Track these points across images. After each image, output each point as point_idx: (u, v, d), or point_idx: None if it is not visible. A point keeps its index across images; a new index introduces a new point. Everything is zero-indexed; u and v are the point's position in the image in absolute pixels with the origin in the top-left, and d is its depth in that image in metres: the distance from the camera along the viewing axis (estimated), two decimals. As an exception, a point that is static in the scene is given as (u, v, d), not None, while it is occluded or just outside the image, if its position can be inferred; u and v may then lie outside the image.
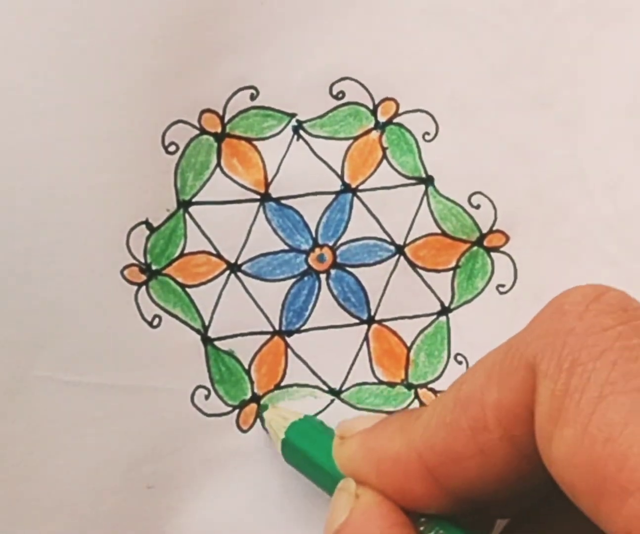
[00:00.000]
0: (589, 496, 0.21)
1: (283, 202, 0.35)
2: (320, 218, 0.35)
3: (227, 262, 0.35)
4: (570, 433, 0.21)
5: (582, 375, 0.22)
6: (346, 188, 0.35)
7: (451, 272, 0.36)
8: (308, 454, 0.31)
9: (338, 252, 0.35)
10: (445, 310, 0.35)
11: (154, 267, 0.34)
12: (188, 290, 0.34)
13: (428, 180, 0.35)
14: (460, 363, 0.35)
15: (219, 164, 0.34)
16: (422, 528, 0.26)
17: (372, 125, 0.35)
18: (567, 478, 0.22)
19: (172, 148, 0.34)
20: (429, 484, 0.26)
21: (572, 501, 0.22)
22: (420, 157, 0.35)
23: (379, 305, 0.35)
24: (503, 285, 0.36)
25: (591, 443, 0.21)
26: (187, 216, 0.34)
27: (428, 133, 0.35)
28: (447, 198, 0.35)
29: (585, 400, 0.21)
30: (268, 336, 0.35)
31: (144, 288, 0.34)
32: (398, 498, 0.26)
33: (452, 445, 0.25)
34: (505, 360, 0.24)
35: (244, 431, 0.35)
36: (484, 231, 0.36)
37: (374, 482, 0.27)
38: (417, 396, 0.35)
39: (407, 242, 0.35)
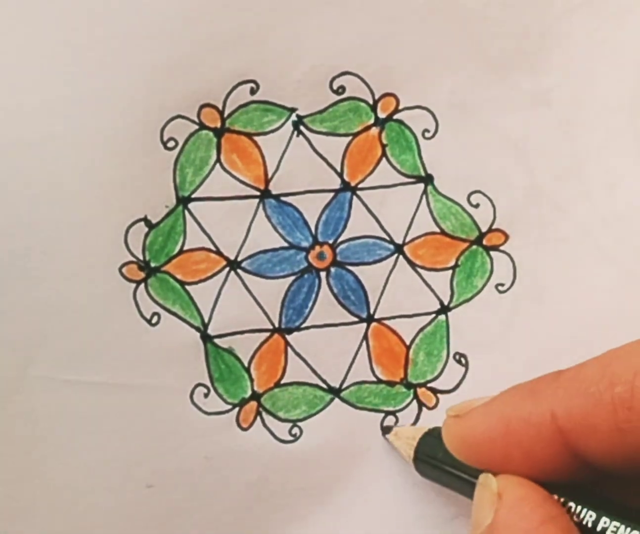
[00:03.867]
0: None
1: (283, 198, 0.34)
2: (320, 215, 0.35)
3: (226, 258, 0.34)
4: None
5: None
6: (345, 186, 0.35)
7: (450, 271, 0.36)
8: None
9: (338, 250, 0.35)
10: (444, 309, 0.35)
11: (152, 264, 0.34)
12: (187, 287, 0.34)
13: (427, 179, 0.35)
14: (459, 362, 0.35)
15: (218, 160, 0.34)
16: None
17: (372, 121, 0.35)
18: None
19: (171, 144, 0.34)
20: (561, 448, 0.26)
21: None
22: (419, 155, 0.35)
23: (378, 303, 0.35)
24: (502, 284, 0.36)
25: None
26: (186, 212, 0.34)
27: (428, 131, 0.35)
28: (447, 197, 0.35)
29: None
30: (268, 333, 0.34)
31: (142, 285, 0.34)
32: (526, 464, 0.26)
33: (590, 415, 0.25)
34: None
35: (244, 430, 0.34)
36: (483, 230, 0.36)
37: (500, 451, 0.27)
38: (416, 395, 0.35)
39: (407, 240, 0.35)
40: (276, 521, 0.34)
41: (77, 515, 0.33)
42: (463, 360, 0.35)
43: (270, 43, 0.34)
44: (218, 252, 0.34)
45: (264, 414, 0.34)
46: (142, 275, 0.34)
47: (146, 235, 0.33)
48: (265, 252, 0.34)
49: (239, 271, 0.34)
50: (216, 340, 0.34)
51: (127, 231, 0.33)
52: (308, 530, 0.34)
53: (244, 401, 0.34)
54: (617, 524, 0.25)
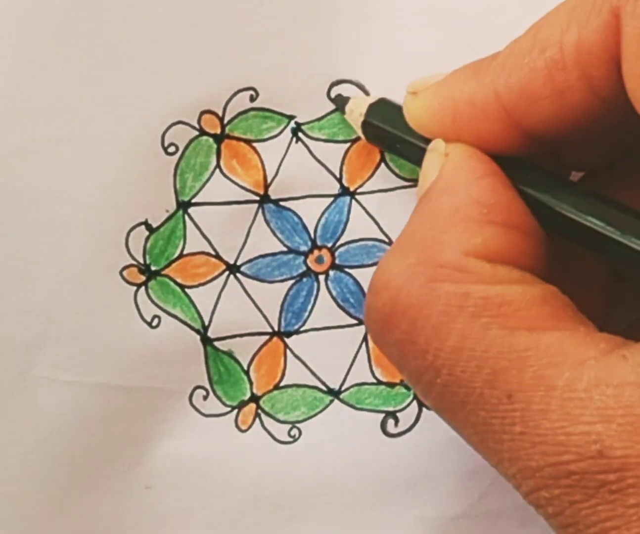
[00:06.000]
0: None
1: (282, 203, 0.35)
2: (319, 220, 0.35)
3: (226, 262, 0.35)
4: None
5: None
6: (344, 191, 0.35)
7: (449, 274, 0.36)
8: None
9: (336, 254, 0.35)
10: (443, 312, 0.35)
11: (153, 268, 0.34)
12: (188, 290, 0.34)
13: (426, 183, 0.36)
14: (458, 364, 0.35)
15: (218, 165, 0.35)
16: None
17: (370, 127, 0.35)
18: None
19: (171, 149, 0.34)
20: (506, 124, 0.26)
21: None
22: (418, 160, 0.36)
23: (377, 306, 0.35)
24: (501, 287, 0.36)
25: None
26: (186, 217, 0.34)
27: (426, 136, 0.36)
28: (445, 201, 0.36)
29: None
30: (267, 336, 0.35)
31: (143, 288, 0.34)
32: (475, 141, 0.27)
33: (529, 85, 0.26)
34: (587, 4, 0.25)
35: (243, 432, 0.35)
36: (482, 233, 0.36)
37: (451, 128, 0.28)
38: (416, 395, 0.35)
39: (406, 243, 0.35)
40: (275, 522, 0.34)
41: (77, 515, 0.33)
42: (462, 362, 0.35)
43: (270, 52, 0.34)
44: (218, 256, 0.35)
45: (262, 416, 0.35)
46: (143, 278, 0.34)
47: (147, 238, 0.34)
48: (264, 256, 0.35)
49: (238, 275, 0.35)
50: (216, 343, 0.34)
51: (128, 234, 0.34)
52: (307, 531, 0.35)
53: (242, 403, 0.35)
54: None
